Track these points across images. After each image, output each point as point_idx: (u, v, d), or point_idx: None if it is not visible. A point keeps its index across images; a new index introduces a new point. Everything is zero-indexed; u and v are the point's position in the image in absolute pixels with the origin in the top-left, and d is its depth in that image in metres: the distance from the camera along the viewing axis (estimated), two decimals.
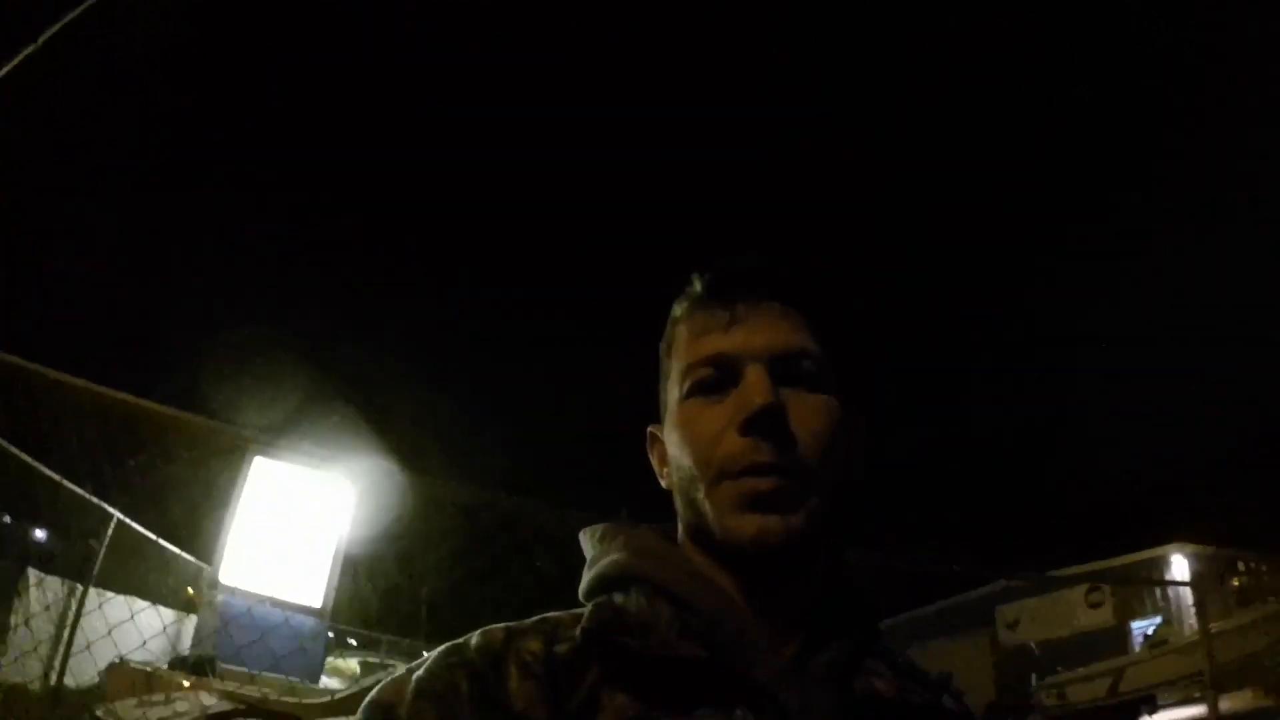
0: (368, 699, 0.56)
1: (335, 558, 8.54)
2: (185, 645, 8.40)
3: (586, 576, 0.64)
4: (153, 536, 7.07)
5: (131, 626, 4.85)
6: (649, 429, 0.71)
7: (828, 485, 0.60)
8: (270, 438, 6.44)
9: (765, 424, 0.57)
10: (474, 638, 0.58)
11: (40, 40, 3.56)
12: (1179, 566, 16.03)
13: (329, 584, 8.42)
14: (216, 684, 5.49)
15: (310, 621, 8.03)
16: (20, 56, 3.59)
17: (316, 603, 8.29)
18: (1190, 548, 16.11)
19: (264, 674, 6.09)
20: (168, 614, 8.36)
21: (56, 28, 3.61)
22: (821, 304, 0.65)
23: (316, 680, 7.82)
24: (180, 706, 4.07)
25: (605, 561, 0.63)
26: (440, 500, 4.38)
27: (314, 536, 8.50)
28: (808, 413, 0.60)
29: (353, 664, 9.86)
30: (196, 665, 5.90)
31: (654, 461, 0.70)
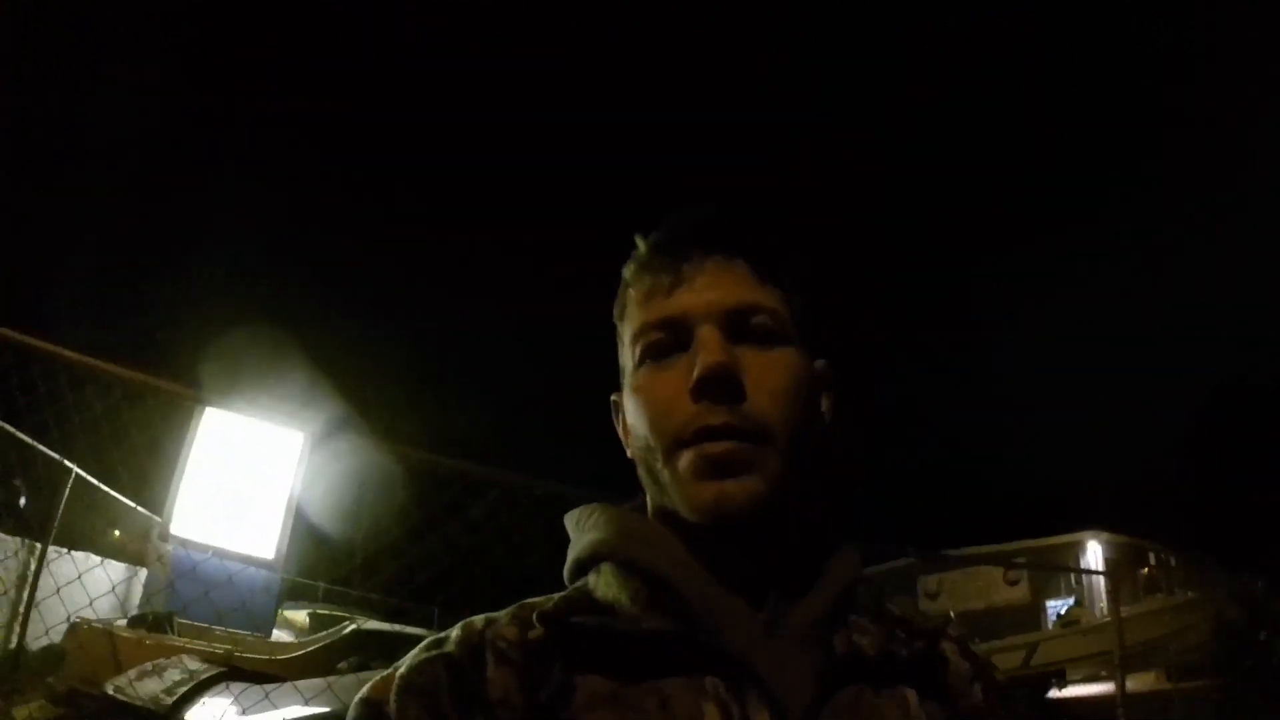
0: (358, 696, 0.55)
1: (287, 510, 8.43)
2: (135, 596, 8.22)
3: (567, 561, 0.64)
4: (109, 490, 6.84)
5: (78, 580, 4.70)
6: (612, 397, 0.68)
7: (791, 442, 0.58)
8: (220, 392, 6.24)
9: (716, 386, 0.56)
10: (455, 630, 0.57)
11: None
12: (1094, 552, 17.12)
13: (281, 536, 8.32)
14: (177, 640, 5.45)
15: (262, 574, 7.95)
16: None
17: (269, 554, 8.19)
18: (1106, 535, 17.21)
19: (219, 629, 6.05)
20: (116, 567, 8.14)
21: None
22: (774, 255, 0.62)
23: (269, 632, 7.78)
24: (174, 675, 4.06)
25: (581, 544, 0.62)
26: (387, 456, 4.33)
27: (266, 488, 8.35)
28: (764, 369, 0.58)
29: (302, 615, 9.80)
30: (156, 622, 5.82)
31: (619, 430, 0.68)
